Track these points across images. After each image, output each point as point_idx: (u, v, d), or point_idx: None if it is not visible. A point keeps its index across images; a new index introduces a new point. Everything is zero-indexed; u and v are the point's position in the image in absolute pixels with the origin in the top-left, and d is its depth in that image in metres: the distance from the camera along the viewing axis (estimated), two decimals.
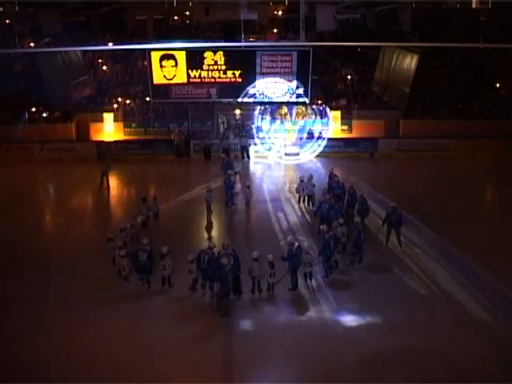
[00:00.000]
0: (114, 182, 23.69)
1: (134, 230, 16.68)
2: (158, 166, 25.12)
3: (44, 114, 27.24)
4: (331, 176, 19.68)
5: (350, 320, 13.00)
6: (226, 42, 24.48)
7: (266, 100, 25.35)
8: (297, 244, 14.47)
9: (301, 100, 25.31)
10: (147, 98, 27.47)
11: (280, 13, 35.20)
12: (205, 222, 18.66)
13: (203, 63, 24.36)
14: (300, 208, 19.84)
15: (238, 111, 27.42)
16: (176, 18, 35.66)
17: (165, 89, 25.03)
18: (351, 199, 18.17)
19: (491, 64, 29.00)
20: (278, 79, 24.72)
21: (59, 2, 29.80)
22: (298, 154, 25.45)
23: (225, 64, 24.32)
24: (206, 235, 17.77)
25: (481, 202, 21.04)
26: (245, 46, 21.58)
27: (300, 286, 14.21)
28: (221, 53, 24.10)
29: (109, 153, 25.37)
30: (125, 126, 27.71)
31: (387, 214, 16.68)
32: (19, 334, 12.39)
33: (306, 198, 19.85)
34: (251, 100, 25.29)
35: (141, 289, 14.20)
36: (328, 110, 26.63)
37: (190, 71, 24.52)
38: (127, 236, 16.03)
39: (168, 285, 14.30)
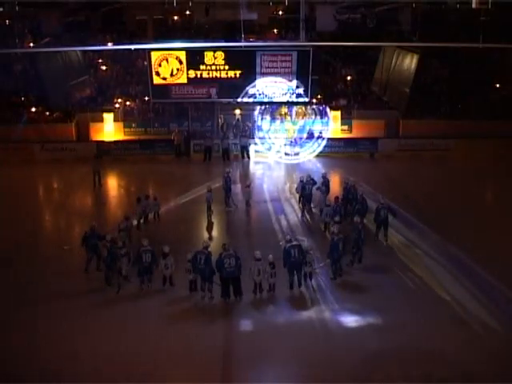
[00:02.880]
0: (114, 182, 23.73)
1: (131, 231, 16.83)
2: (158, 165, 25.12)
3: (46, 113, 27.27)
4: (324, 182, 19.62)
5: (350, 320, 13.00)
6: (225, 41, 24.47)
7: (265, 100, 25.34)
8: (294, 243, 14.42)
9: (301, 100, 25.30)
10: (147, 98, 27.47)
11: (280, 13, 35.18)
12: (205, 222, 18.67)
13: (203, 63, 24.35)
14: (300, 208, 19.82)
15: (237, 111, 27.42)
16: (176, 18, 35.65)
17: (165, 89, 25.00)
18: (351, 199, 18.19)
19: (491, 64, 29.00)
20: (277, 79, 24.71)
21: (59, 1, 29.76)
22: (297, 154, 25.45)
23: (225, 64, 24.30)
24: (206, 235, 17.77)
25: (481, 202, 21.04)
26: (245, 46, 21.55)
27: (295, 285, 14.22)
28: (221, 53, 24.09)
29: (103, 153, 25.38)
30: (125, 126, 27.73)
31: (377, 210, 16.85)
32: (17, 334, 12.40)
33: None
34: (251, 100, 25.29)
35: (140, 288, 14.18)
36: (328, 109, 26.64)
37: (189, 71, 24.50)
38: (126, 236, 16.10)
39: (170, 284, 14.31)
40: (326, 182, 19.45)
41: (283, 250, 14.26)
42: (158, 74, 24.60)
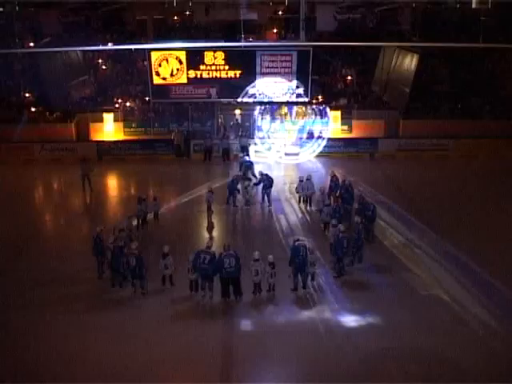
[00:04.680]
0: (113, 182, 23.71)
1: (131, 231, 16.82)
2: (158, 165, 25.11)
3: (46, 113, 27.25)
4: (332, 179, 19.65)
5: (350, 320, 13.00)
6: (226, 41, 24.49)
7: (265, 100, 25.35)
8: (302, 242, 14.41)
9: (301, 100, 25.30)
10: (147, 98, 27.47)
11: (280, 13, 35.20)
12: (205, 223, 18.67)
13: (203, 63, 24.36)
14: (300, 208, 19.84)
15: (237, 111, 27.42)
16: (176, 18, 35.68)
17: (165, 89, 25.03)
18: (349, 198, 18.20)
19: (491, 64, 29.01)
20: (277, 79, 24.72)
21: (59, 2, 29.79)
22: (297, 154, 25.44)
23: (225, 64, 24.32)
24: (206, 235, 17.77)
25: (481, 202, 21.01)
26: (245, 46, 21.57)
27: (300, 286, 14.20)
28: (221, 53, 24.11)
29: (94, 154, 25.42)
30: (125, 126, 27.66)
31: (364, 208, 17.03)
32: (18, 336, 12.39)
33: (304, 199, 19.91)
34: (251, 100, 25.30)
35: (133, 291, 14.09)
36: (328, 109, 26.63)
37: (189, 71, 24.52)
38: (126, 236, 16.10)
39: (170, 283, 14.31)
40: (333, 180, 19.47)
41: (291, 248, 14.24)
42: (157, 74, 24.64)
